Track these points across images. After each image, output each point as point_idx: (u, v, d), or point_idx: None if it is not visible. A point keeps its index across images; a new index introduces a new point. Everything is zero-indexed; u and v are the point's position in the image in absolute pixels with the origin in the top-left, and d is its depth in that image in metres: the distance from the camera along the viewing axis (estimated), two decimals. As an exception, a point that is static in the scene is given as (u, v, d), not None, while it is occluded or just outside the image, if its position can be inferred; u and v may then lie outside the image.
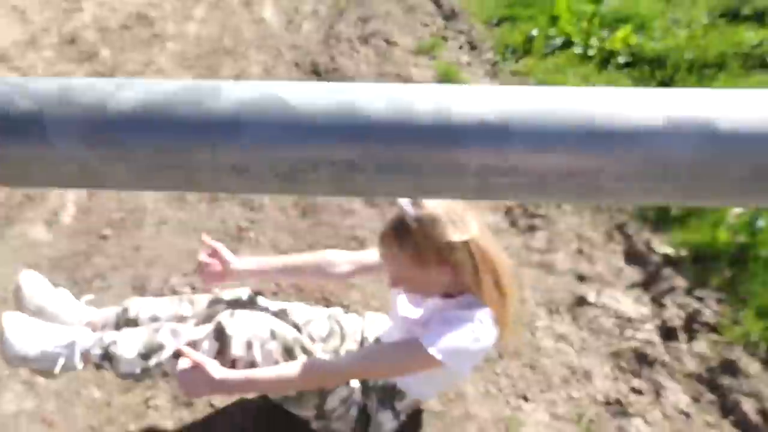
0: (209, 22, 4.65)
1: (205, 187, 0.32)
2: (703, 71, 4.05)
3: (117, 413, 1.87)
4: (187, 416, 1.86)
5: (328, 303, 2.33)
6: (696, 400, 2.11)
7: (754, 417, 2.02)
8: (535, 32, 4.63)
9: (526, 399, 2.04)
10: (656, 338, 2.32)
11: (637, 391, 2.12)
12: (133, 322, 1.79)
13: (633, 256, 2.73)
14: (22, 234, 2.58)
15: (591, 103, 0.29)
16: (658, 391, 2.12)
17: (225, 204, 2.86)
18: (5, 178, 0.31)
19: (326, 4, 5.24)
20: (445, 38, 4.83)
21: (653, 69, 4.15)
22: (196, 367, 1.39)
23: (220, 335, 1.49)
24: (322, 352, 1.66)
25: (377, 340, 1.77)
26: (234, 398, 1.90)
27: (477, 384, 2.07)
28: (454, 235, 1.32)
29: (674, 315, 2.40)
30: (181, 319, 1.73)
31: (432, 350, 1.33)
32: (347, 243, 2.66)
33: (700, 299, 2.47)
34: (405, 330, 1.54)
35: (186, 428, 1.82)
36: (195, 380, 1.39)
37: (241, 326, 1.50)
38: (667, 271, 2.59)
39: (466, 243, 1.34)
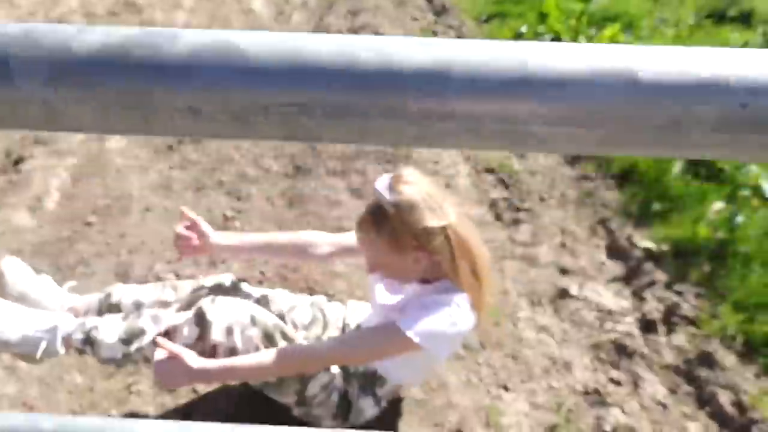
0: (198, 11, 4.63)
1: (163, 129, 0.33)
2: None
3: (99, 399, 1.87)
4: (170, 402, 1.86)
5: (312, 292, 2.34)
6: (673, 391, 2.15)
7: (730, 409, 2.06)
8: (524, 29, 4.65)
9: (506, 389, 2.07)
10: (636, 331, 2.35)
11: (616, 382, 2.15)
12: (116, 308, 1.79)
13: (615, 251, 2.77)
14: (5, 219, 2.57)
15: (524, 53, 0.31)
16: (636, 382, 2.16)
17: (211, 193, 2.86)
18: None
19: (316, -5, 5.22)
20: (435, 33, 4.84)
21: (640, 67, 4.19)
22: (173, 358, 1.39)
23: (201, 321, 1.50)
24: (303, 340, 1.67)
25: (358, 327, 1.78)
26: (215, 385, 1.91)
27: (459, 373, 2.10)
28: (432, 221, 1.34)
29: (654, 308, 2.44)
30: (164, 304, 1.73)
31: (409, 333, 1.34)
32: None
33: (679, 293, 2.51)
34: (383, 316, 1.55)
35: (168, 414, 1.83)
36: (171, 370, 1.39)
37: (221, 312, 1.50)
38: (647, 266, 2.62)
39: (443, 228, 1.35)
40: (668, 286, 2.55)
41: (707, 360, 2.23)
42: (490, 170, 3.19)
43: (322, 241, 1.72)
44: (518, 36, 4.64)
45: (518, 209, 2.94)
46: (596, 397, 2.07)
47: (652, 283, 2.56)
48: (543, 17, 4.85)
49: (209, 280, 1.77)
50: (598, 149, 0.33)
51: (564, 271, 2.63)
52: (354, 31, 4.59)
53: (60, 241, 2.53)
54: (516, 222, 2.86)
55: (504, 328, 2.30)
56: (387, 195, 1.34)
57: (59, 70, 0.30)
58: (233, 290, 1.74)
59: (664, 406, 2.08)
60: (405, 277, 1.50)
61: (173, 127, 0.33)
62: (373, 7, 5.08)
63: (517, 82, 0.31)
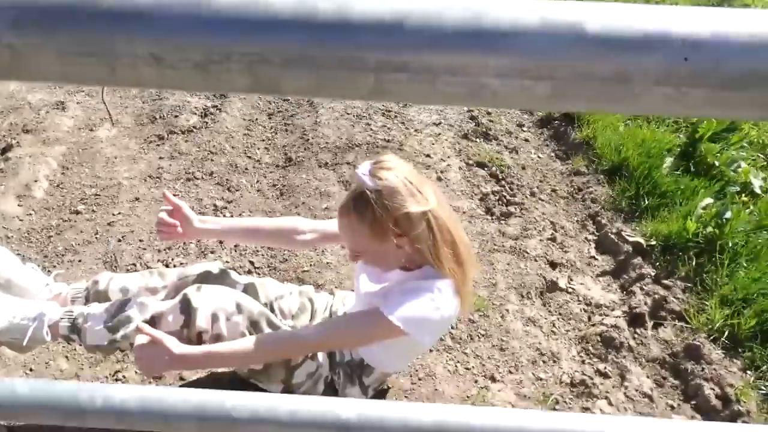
0: None
1: (127, 78, 0.33)
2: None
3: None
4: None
5: (301, 282, 2.34)
6: (659, 384, 2.17)
7: (715, 401, 2.08)
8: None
9: (494, 379, 2.07)
10: (623, 324, 2.36)
11: (603, 374, 2.16)
12: (103, 295, 1.78)
13: (604, 245, 2.78)
14: (-7, 207, 2.55)
15: (477, 6, 0.32)
16: (623, 375, 2.17)
17: (201, 183, 2.85)
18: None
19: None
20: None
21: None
22: (154, 343, 1.37)
23: (186, 308, 1.49)
24: (290, 328, 1.66)
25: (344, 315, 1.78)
26: (205, 371, 1.91)
27: (447, 364, 2.10)
28: (413, 207, 1.33)
29: (642, 302, 2.45)
30: (152, 291, 1.72)
31: (391, 317, 1.33)
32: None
33: (667, 287, 2.52)
34: (367, 304, 1.54)
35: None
36: (152, 356, 1.37)
37: (206, 299, 1.49)
38: (636, 260, 2.64)
39: (424, 214, 1.35)
40: (656, 280, 2.56)
41: (693, 353, 2.24)
42: (481, 164, 3.19)
43: (306, 227, 1.72)
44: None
45: (509, 203, 2.94)
46: (583, 389, 2.08)
47: (640, 277, 2.57)
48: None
49: (197, 268, 1.76)
50: (549, 104, 0.34)
51: (553, 265, 2.64)
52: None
53: (48, 229, 2.51)
54: (506, 215, 2.87)
55: (492, 319, 2.31)
56: (368, 181, 1.33)
57: (24, 14, 0.30)
58: (221, 278, 1.74)
59: (650, 398, 2.09)
60: (387, 264, 1.49)
61: (137, 77, 0.33)
62: None
63: (470, 34, 0.32)
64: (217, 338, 1.48)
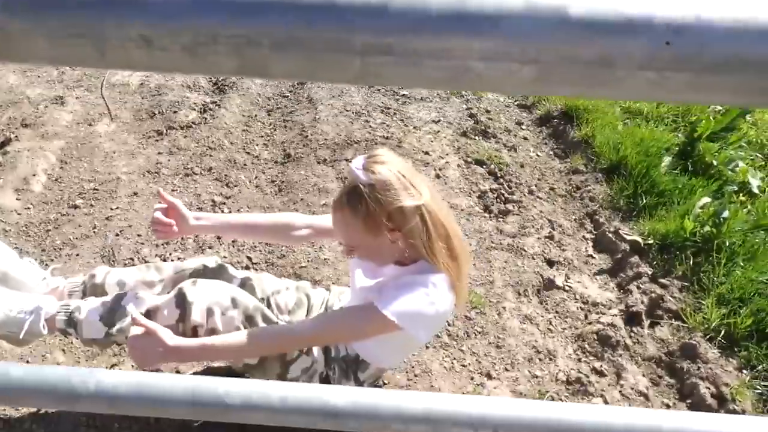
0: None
1: (117, 60, 0.33)
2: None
3: (81, 379, 1.86)
4: (152, 383, 1.86)
5: (299, 278, 2.34)
6: (655, 382, 2.17)
7: (710, 400, 2.08)
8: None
9: (489, 376, 2.08)
10: (620, 322, 2.37)
11: (599, 372, 2.17)
12: (100, 288, 1.78)
13: (602, 243, 2.78)
14: (-9, 200, 2.55)
15: None
16: (619, 373, 2.17)
17: (200, 178, 2.85)
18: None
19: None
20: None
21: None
22: (148, 335, 1.37)
23: (181, 302, 1.49)
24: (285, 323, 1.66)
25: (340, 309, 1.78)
26: (201, 366, 1.91)
27: (443, 360, 2.11)
28: (406, 200, 1.33)
29: (638, 301, 2.45)
30: (148, 284, 1.73)
31: (386, 312, 1.33)
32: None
33: (664, 286, 2.53)
34: (362, 299, 1.54)
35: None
36: (146, 347, 1.37)
37: (202, 294, 1.49)
38: (633, 259, 2.64)
39: (417, 208, 1.34)
40: (653, 279, 2.57)
41: (689, 352, 2.25)
42: (479, 162, 3.20)
43: (302, 222, 1.72)
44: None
45: (507, 201, 2.95)
46: (578, 387, 2.09)
47: (637, 276, 2.58)
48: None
49: (193, 262, 1.76)
50: (533, 87, 0.34)
51: (550, 263, 2.64)
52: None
53: (46, 223, 2.51)
54: (504, 213, 2.87)
55: (489, 317, 2.31)
56: (361, 175, 1.33)
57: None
58: (218, 272, 1.74)
59: (646, 396, 2.10)
60: (381, 258, 1.49)
61: (127, 60, 0.33)
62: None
63: (454, 17, 0.32)
64: (212, 332, 1.48)
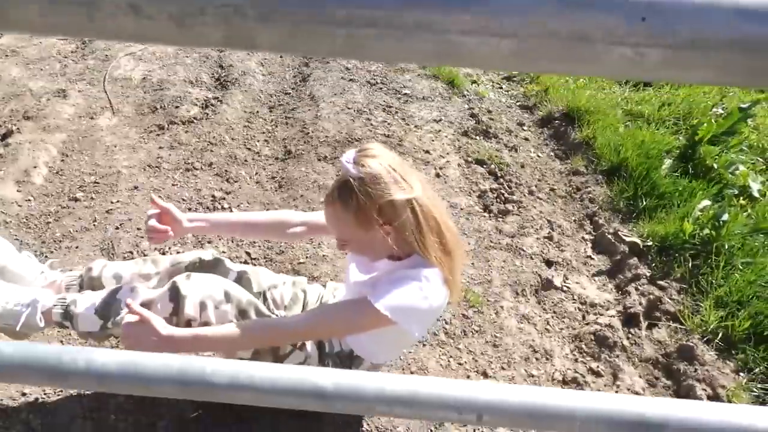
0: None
1: (107, 29, 0.33)
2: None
3: (78, 370, 1.86)
4: (149, 375, 1.86)
5: (297, 274, 2.35)
6: (652, 384, 2.17)
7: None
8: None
9: (486, 375, 2.08)
10: (617, 323, 2.37)
11: (595, 373, 2.17)
12: (97, 281, 1.79)
13: (601, 245, 2.78)
14: (-8, 192, 2.55)
15: None
16: (615, 374, 2.18)
17: (200, 174, 2.85)
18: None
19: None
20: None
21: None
22: (142, 322, 1.38)
23: (175, 295, 1.49)
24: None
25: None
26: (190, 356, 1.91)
27: (439, 358, 2.11)
28: (396, 194, 1.33)
29: (636, 302, 2.45)
30: (145, 277, 1.73)
31: (379, 306, 1.33)
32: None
33: (662, 288, 2.53)
34: (356, 293, 1.54)
35: (147, 387, 1.83)
36: (140, 335, 1.37)
37: (195, 287, 1.50)
38: (632, 260, 2.64)
39: (408, 202, 1.34)
40: (652, 280, 2.57)
41: (687, 354, 2.25)
42: (480, 162, 3.20)
43: (296, 219, 1.72)
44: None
45: (506, 201, 2.95)
46: (575, 387, 2.09)
47: (636, 278, 2.58)
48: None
49: (190, 255, 1.77)
50: (514, 63, 0.34)
51: (549, 263, 2.64)
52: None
53: (47, 215, 2.52)
54: (504, 213, 2.87)
55: (486, 315, 2.31)
56: (351, 168, 1.33)
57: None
58: (214, 265, 1.74)
59: (642, 397, 2.10)
60: (374, 253, 1.49)
61: (116, 28, 0.33)
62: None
63: None
64: (206, 326, 1.48)
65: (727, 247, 2.58)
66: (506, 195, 2.98)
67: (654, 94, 3.84)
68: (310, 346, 1.60)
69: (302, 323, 1.46)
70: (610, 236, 2.78)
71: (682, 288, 2.52)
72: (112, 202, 2.60)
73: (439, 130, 3.40)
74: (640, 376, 2.20)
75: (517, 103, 3.87)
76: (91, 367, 0.48)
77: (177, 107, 3.24)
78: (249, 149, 3.08)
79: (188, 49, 3.85)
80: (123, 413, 1.75)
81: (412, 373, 2.04)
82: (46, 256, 2.31)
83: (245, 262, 2.40)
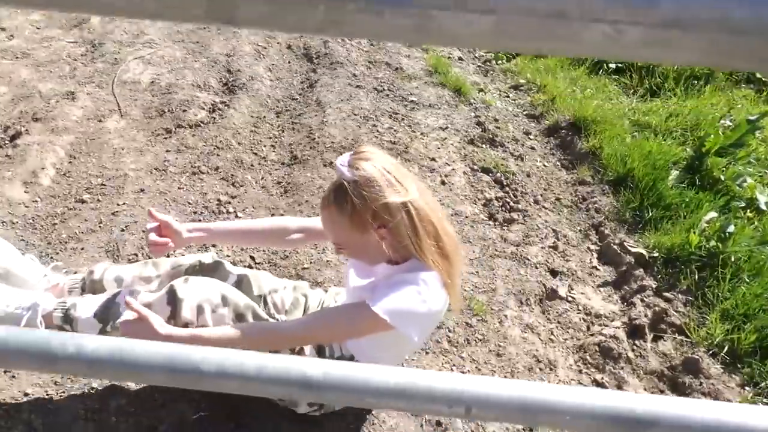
0: None
1: (90, 2, 0.34)
2: (691, 82, 4.10)
3: (79, 370, 1.87)
4: (149, 376, 1.86)
5: (302, 280, 2.34)
6: (655, 395, 2.15)
7: (711, 415, 2.05)
8: (529, 34, 4.66)
9: (488, 383, 2.06)
10: (622, 335, 2.35)
11: (599, 384, 2.15)
12: (99, 284, 1.80)
13: (606, 255, 2.77)
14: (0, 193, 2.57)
15: None
16: (620, 386, 2.15)
17: (206, 177, 2.86)
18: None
19: (325, -8, 5.24)
20: None
21: (642, 77, 4.20)
22: (140, 321, 1.38)
23: (172, 299, 1.50)
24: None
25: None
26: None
27: (442, 366, 2.09)
28: (391, 197, 1.32)
29: (642, 314, 2.43)
30: (146, 280, 1.74)
31: (376, 309, 1.32)
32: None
33: (668, 300, 2.51)
34: (356, 298, 1.54)
35: (150, 387, 1.83)
36: (138, 334, 1.37)
37: (192, 291, 1.50)
38: (638, 272, 2.62)
39: (404, 204, 1.34)
40: (657, 292, 2.55)
41: (692, 367, 2.23)
42: (486, 170, 3.20)
43: (294, 225, 1.73)
44: None
45: (512, 209, 2.94)
46: None
47: (641, 289, 2.56)
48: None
49: (190, 258, 1.78)
50: (492, 41, 0.34)
51: (554, 273, 2.63)
52: None
53: (53, 216, 2.53)
54: (509, 222, 2.86)
55: (490, 324, 2.30)
56: (346, 171, 1.33)
57: None
58: (214, 268, 1.75)
59: (646, 409, 2.07)
60: (370, 257, 1.48)
61: (100, 1, 0.33)
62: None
63: None
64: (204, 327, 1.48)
65: (733, 259, 2.56)
66: (512, 204, 2.97)
67: (661, 104, 3.83)
68: (309, 350, 1.60)
69: (301, 327, 1.46)
70: (615, 247, 2.77)
71: (688, 300, 2.50)
72: (118, 205, 2.61)
73: (446, 138, 3.41)
74: (644, 389, 2.18)
75: (524, 112, 3.87)
76: (81, 353, 0.47)
77: (184, 111, 3.26)
78: (255, 154, 3.09)
79: (197, 53, 3.88)
80: (124, 415, 1.74)
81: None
82: (51, 257, 2.32)
83: (249, 267, 2.40)
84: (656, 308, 2.45)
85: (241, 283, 1.72)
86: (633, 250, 2.73)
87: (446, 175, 3.10)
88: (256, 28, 0.35)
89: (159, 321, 1.38)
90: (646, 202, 2.96)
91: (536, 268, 2.63)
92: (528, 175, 3.22)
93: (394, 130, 3.38)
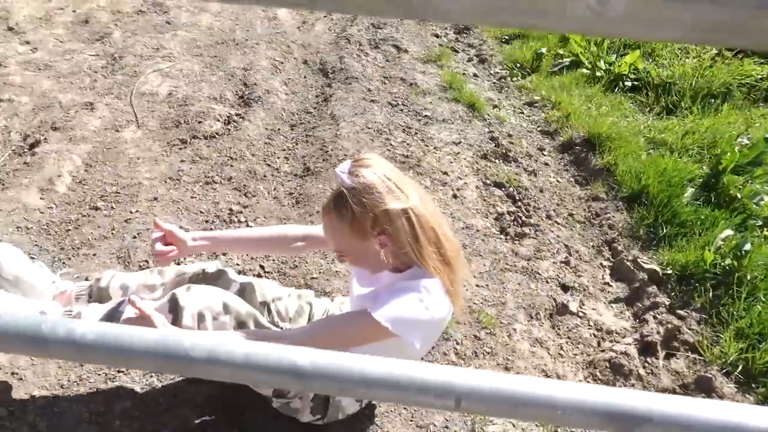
0: (223, 14, 4.72)
1: None
2: (708, 100, 4.07)
3: (88, 374, 1.87)
4: (157, 382, 1.86)
5: (310, 289, 2.34)
6: (668, 414, 2.10)
7: (725, 436, 2.01)
8: (543, 50, 4.67)
9: (496, 397, 2.04)
10: (634, 351, 2.31)
11: (609, 401, 2.11)
12: (105, 292, 1.82)
13: (619, 272, 2.73)
14: (16, 198, 2.61)
15: None
16: (630, 403, 2.11)
17: (219, 187, 2.88)
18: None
19: (342, 8, 5.30)
20: (455, 50, 4.88)
21: (658, 95, 4.18)
22: (143, 318, 1.38)
23: (174, 307, 1.50)
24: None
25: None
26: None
27: (449, 379, 2.07)
28: (391, 203, 1.32)
29: (654, 331, 2.39)
30: (150, 288, 1.75)
31: (378, 317, 1.30)
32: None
33: (681, 318, 2.47)
34: (359, 306, 1.53)
35: (154, 392, 1.83)
36: None
37: (194, 299, 1.51)
38: (651, 288, 2.59)
39: (404, 211, 1.33)
40: (671, 309, 2.51)
41: (705, 386, 2.18)
42: (498, 184, 3.19)
43: (297, 233, 1.73)
44: (537, 57, 4.66)
45: (524, 224, 2.92)
46: None
47: (654, 306, 2.52)
48: (565, 40, 4.87)
49: (194, 266, 1.79)
50: (477, 15, 0.34)
51: (565, 288, 2.60)
52: (375, 43, 4.65)
53: (67, 222, 2.56)
54: (521, 236, 2.84)
55: (499, 337, 2.28)
56: (346, 179, 1.34)
57: None
58: (217, 277, 1.75)
59: (657, 428, 2.03)
60: (371, 264, 1.47)
61: None
62: (396, 21, 5.14)
63: None
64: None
65: (749, 278, 2.52)
66: (524, 218, 2.95)
67: (678, 122, 3.80)
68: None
69: (302, 335, 1.46)
70: (628, 263, 2.73)
71: (701, 318, 2.46)
72: (131, 212, 2.64)
73: (458, 153, 3.41)
74: (656, 407, 2.13)
75: (538, 128, 3.86)
76: (70, 337, 0.48)
77: (200, 122, 3.30)
78: (269, 165, 3.11)
79: (214, 67, 3.94)
80: (128, 419, 1.74)
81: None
82: (63, 263, 2.34)
83: (258, 276, 2.41)
84: (669, 325, 2.41)
85: (244, 291, 1.72)
86: (646, 266, 2.69)
87: (458, 189, 3.10)
88: (235, 3, 0.35)
89: (161, 320, 1.38)
90: (660, 219, 2.92)
91: (547, 282, 2.61)
92: (541, 191, 3.20)
93: (407, 144, 3.39)
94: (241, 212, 2.76)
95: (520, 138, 3.68)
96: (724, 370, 2.23)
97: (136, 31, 4.22)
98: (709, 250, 2.63)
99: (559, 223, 3.00)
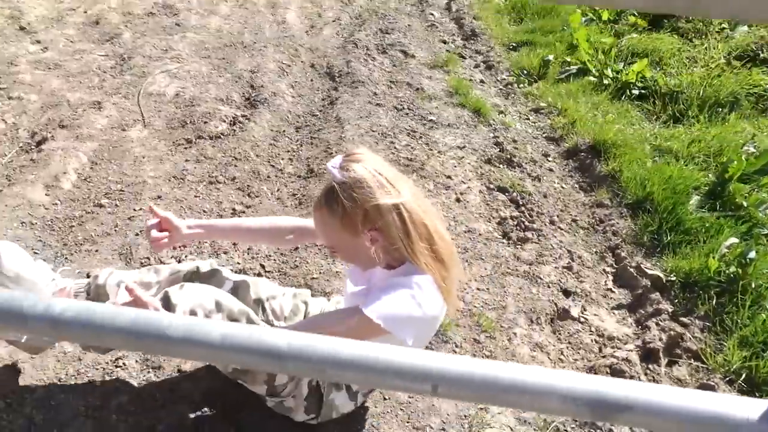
0: (232, 17, 4.75)
1: None
2: (715, 109, 4.05)
3: (86, 368, 1.88)
4: (154, 377, 1.87)
5: (309, 289, 2.34)
6: (668, 422, 2.08)
7: (726, 445, 1.98)
8: (550, 57, 4.67)
9: (494, 401, 2.02)
10: (635, 358, 2.29)
11: (609, 407, 2.09)
12: (102, 288, 1.82)
13: (622, 278, 2.72)
14: (22, 194, 2.63)
15: None
16: (630, 410, 2.09)
17: (222, 187, 2.89)
18: None
19: (349, 13, 5.33)
20: (462, 56, 4.88)
21: (665, 103, 4.16)
22: (135, 304, 1.37)
23: (166, 305, 1.50)
24: None
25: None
26: (202, 363, 1.91)
27: (447, 382, 2.06)
28: (382, 198, 1.31)
29: (657, 338, 2.37)
30: (146, 285, 1.75)
31: (369, 314, 1.29)
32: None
33: (684, 325, 2.44)
34: (351, 304, 1.52)
35: (152, 388, 1.83)
36: None
37: (186, 297, 1.50)
38: (654, 295, 2.57)
39: (395, 206, 1.32)
40: (674, 317, 2.49)
41: (707, 394, 2.16)
42: (502, 189, 3.18)
43: (289, 225, 1.73)
44: (545, 64, 4.65)
45: (527, 229, 2.91)
46: (587, 420, 2.01)
47: (657, 313, 2.50)
48: (572, 48, 4.86)
49: (188, 265, 1.79)
50: None
51: (567, 293, 2.59)
52: (382, 48, 4.66)
53: (71, 219, 2.58)
54: (523, 241, 2.83)
55: (498, 341, 2.26)
56: (337, 173, 1.33)
57: None
58: (211, 275, 1.75)
59: (657, 435, 2.01)
60: (362, 260, 1.47)
61: None
62: (404, 27, 5.16)
63: None
64: None
65: (754, 286, 2.50)
66: (527, 223, 2.94)
67: (684, 131, 3.78)
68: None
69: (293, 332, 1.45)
70: (632, 269, 2.71)
71: (705, 326, 2.44)
72: (134, 210, 2.65)
73: (462, 157, 3.40)
74: (656, 414, 2.11)
75: (544, 135, 3.85)
76: (48, 312, 0.48)
77: (206, 123, 3.32)
78: (273, 166, 3.12)
79: (222, 69, 3.96)
80: (124, 414, 1.75)
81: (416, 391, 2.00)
82: (66, 258, 2.36)
83: (258, 275, 2.41)
84: (672, 332, 2.39)
85: (238, 290, 1.72)
86: (650, 272, 2.67)
87: (461, 193, 3.09)
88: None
89: (155, 304, 1.38)
90: (664, 226, 2.90)
91: (549, 287, 2.59)
92: (545, 196, 3.19)
93: (411, 147, 3.39)
94: (244, 212, 2.77)
95: (525, 143, 3.68)
96: (727, 378, 2.21)
97: (145, 33, 4.26)
98: (714, 258, 2.61)
99: (562, 229, 2.99)
